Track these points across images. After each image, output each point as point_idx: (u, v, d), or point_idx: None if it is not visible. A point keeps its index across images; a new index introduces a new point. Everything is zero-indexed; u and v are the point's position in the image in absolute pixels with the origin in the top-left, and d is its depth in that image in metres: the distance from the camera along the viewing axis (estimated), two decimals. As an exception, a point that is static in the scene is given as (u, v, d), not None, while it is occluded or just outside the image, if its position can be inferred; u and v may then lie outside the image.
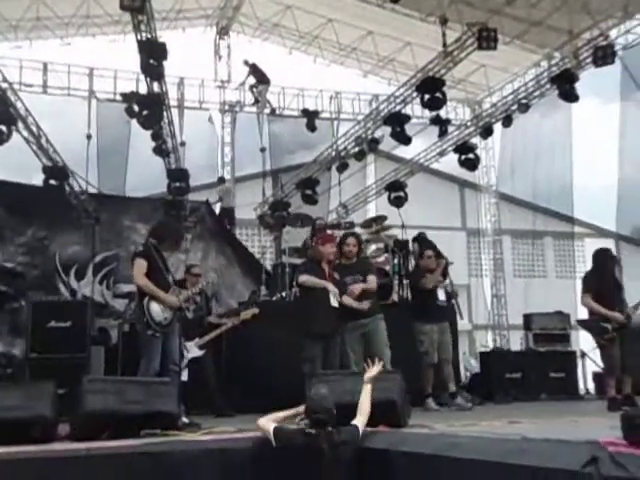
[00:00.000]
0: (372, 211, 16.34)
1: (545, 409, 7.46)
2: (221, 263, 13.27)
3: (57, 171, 12.29)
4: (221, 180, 15.59)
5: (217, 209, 14.64)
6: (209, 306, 7.89)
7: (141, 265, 5.61)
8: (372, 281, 6.66)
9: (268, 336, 7.64)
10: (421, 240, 9.66)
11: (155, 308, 5.51)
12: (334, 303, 6.33)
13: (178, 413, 4.68)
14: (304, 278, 6.45)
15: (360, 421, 4.09)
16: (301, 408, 4.22)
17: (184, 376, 7.11)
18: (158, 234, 5.92)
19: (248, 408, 7.19)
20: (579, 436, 3.19)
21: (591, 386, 11.05)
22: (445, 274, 8.15)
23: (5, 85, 11.47)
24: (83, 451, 3.94)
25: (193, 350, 7.34)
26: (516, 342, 13.82)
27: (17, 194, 11.68)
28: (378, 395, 4.41)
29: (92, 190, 13.23)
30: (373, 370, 4.39)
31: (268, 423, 4.17)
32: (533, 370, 9.81)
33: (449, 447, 3.64)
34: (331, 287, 6.31)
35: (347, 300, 6.40)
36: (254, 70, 15.20)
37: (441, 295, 7.83)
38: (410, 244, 9.88)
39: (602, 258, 7.13)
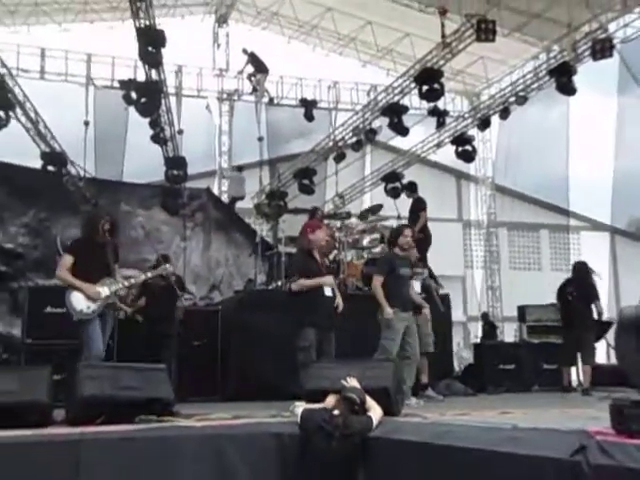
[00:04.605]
0: (368, 202, 16.39)
1: (537, 400, 7.51)
2: (232, 252, 13.25)
3: (55, 157, 12.33)
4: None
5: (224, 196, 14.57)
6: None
7: (65, 260, 5.82)
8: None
9: (264, 324, 7.68)
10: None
11: (75, 297, 5.66)
12: (328, 293, 6.33)
13: (173, 399, 4.70)
14: (297, 286, 6.27)
15: (374, 413, 4.21)
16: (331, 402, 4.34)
17: None
18: (82, 229, 6.28)
19: (243, 395, 7.27)
20: (568, 426, 3.24)
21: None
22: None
23: (3, 70, 11.46)
24: (77, 435, 3.96)
25: None
26: (509, 334, 13.90)
27: (18, 176, 11.65)
28: (371, 383, 4.46)
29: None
30: (352, 382, 4.45)
31: (300, 408, 4.36)
32: (526, 362, 9.85)
33: (441, 435, 3.69)
34: (325, 280, 6.26)
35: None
36: (252, 59, 15.17)
37: (417, 286, 7.61)
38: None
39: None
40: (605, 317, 8.47)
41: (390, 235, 7.13)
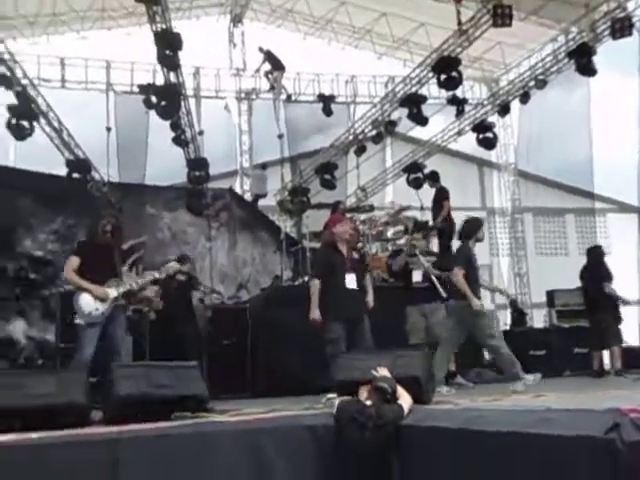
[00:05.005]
0: (390, 193, 16.36)
1: (569, 384, 7.48)
2: (257, 251, 13.34)
3: (80, 164, 12.50)
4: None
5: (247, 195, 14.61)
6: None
7: (71, 262, 5.83)
8: None
9: (291, 320, 7.71)
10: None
11: (85, 299, 5.66)
12: (352, 285, 6.35)
13: (207, 396, 4.77)
14: (311, 284, 6.49)
15: (404, 401, 4.24)
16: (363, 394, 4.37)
17: None
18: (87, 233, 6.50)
19: (273, 391, 7.33)
20: (602, 405, 3.23)
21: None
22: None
23: (25, 81, 11.64)
24: (115, 434, 4.04)
25: None
26: (539, 320, 13.79)
27: (44, 184, 11.86)
28: (402, 372, 4.48)
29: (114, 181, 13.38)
30: (382, 372, 4.48)
31: (336, 400, 4.40)
32: (557, 347, 9.79)
33: (474, 420, 3.68)
34: (313, 313, 6.21)
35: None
36: (269, 57, 15.22)
37: (418, 276, 7.99)
38: None
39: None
40: (620, 299, 8.64)
41: (465, 228, 7.21)
